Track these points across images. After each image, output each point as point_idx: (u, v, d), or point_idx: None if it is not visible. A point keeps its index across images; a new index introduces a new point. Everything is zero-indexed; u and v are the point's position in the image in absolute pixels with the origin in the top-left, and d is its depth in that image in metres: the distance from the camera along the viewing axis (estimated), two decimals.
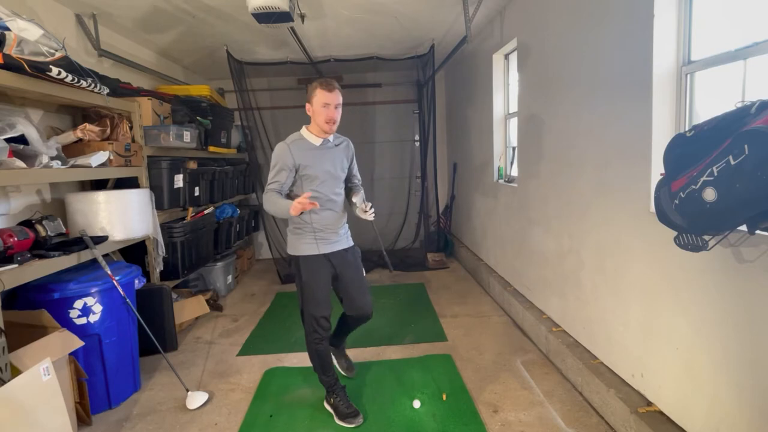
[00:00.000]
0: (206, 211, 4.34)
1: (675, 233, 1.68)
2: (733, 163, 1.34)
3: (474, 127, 5.06)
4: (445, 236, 6.13)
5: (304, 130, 2.37)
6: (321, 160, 2.32)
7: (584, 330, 2.74)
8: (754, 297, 1.58)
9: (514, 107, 4.06)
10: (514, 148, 4.10)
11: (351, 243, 2.51)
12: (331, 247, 2.38)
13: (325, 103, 2.23)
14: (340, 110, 2.29)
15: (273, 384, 2.86)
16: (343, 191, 2.46)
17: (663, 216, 1.67)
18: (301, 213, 2.21)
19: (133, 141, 3.36)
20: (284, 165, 2.27)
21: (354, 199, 2.50)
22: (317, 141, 2.33)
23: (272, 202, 2.25)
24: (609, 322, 2.47)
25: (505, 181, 4.27)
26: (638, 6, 2.09)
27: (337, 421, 2.42)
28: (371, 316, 2.56)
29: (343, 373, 2.84)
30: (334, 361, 2.80)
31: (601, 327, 2.55)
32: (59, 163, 2.63)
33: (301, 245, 2.36)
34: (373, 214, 2.38)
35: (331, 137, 2.37)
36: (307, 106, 2.31)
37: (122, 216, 2.93)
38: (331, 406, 2.49)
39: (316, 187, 2.31)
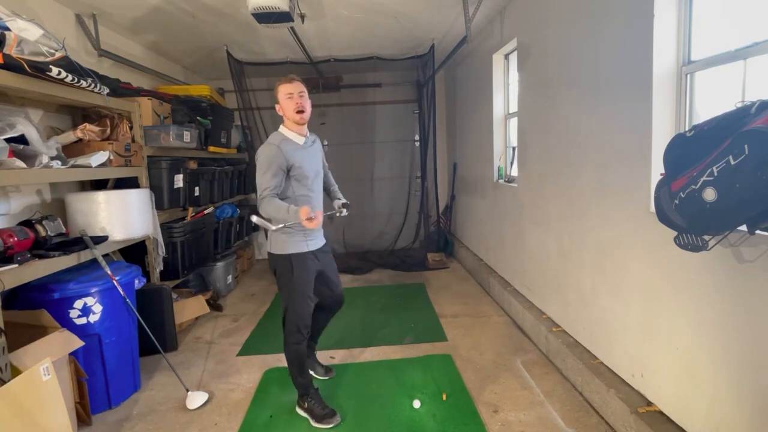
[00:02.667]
0: (206, 211, 4.34)
1: (675, 233, 1.68)
2: (733, 163, 1.34)
3: (474, 127, 5.06)
4: (445, 236, 6.13)
5: (284, 130, 2.37)
6: (309, 160, 2.38)
7: (584, 330, 2.74)
8: (754, 297, 1.58)
9: (514, 107, 4.06)
10: (514, 148, 4.10)
11: (325, 240, 2.60)
12: (316, 243, 2.45)
13: (288, 93, 2.29)
14: (306, 99, 2.33)
15: (273, 384, 2.86)
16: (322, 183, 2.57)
17: (663, 216, 1.67)
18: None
19: (133, 141, 3.36)
20: (279, 167, 2.25)
21: (334, 201, 2.70)
22: (300, 140, 2.37)
23: (277, 208, 2.20)
24: (609, 322, 2.47)
25: (505, 181, 4.27)
26: (638, 6, 2.10)
27: (314, 424, 2.39)
28: (344, 302, 2.72)
29: (324, 378, 2.85)
30: (312, 371, 2.80)
31: (601, 327, 2.55)
32: (59, 163, 2.63)
33: (291, 243, 2.35)
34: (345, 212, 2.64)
35: (308, 134, 2.43)
36: (277, 106, 2.36)
37: (122, 216, 2.93)
38: (306, 410, 2.46)
39: (309, 185, 2.38)
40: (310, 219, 2.12)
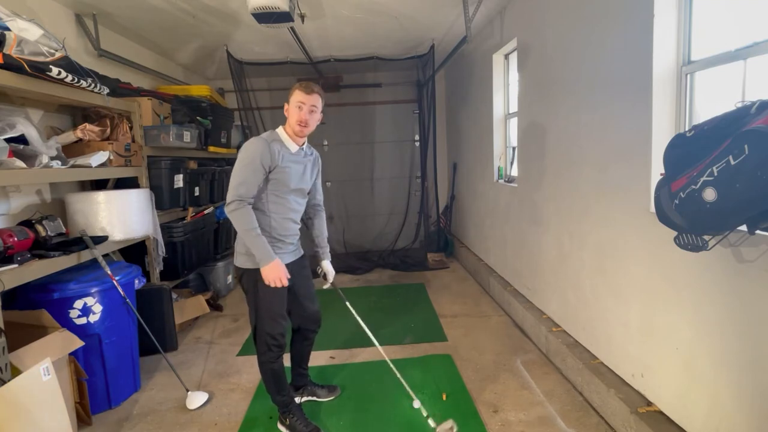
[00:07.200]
0: (206, 211, 4.34)
1: (675, 233, 1.68)
2: (733, 163, 1.34)
3: (474, 127, 5.06)
4: (445, 236, 6.13)
5: (281, 132, 2.20)
6: (295, 170, 2.18)
7: (584, 330, 2.74)
8: (754, 297, 1.58)
9: (514, 107, 4.06)
10: (514, 148, 4.10)
11: (302, 252, 2.41)
12: (287, 258, 2.25)
13: (299, 103, 2.12)
14: (315, 115, 2.17)
15: None
16: (305, 203, 2.37)
17: (663, 216, 1.67)
18: (262, 222, 2.14)
19: (133, 141, 3.36)
20: (261, 163, 2.05)
21: (322, 263, 2.49)
22: (294, 148, 2.19)
23: (250, 231, 2.03)
24: (609, 322, 2.47)
25: (505, 181, 4.27)
26: (638, 6, 2.10)
27: None
28: (320, 324, 2.53)
29: (330, 398, 2.64)
30: (315, 397, 2.64)
31: (601, 327, 2.55)
32: (59, 163, 2.63)
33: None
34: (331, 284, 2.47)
35: (305, 147, 2.27)
36: (285, 105, 2.20)
37: (122, 216, 2.93)
38: (288, 427, 2.30)
39: (283, 195, 2.17)
40: (274, 278, 2.05)
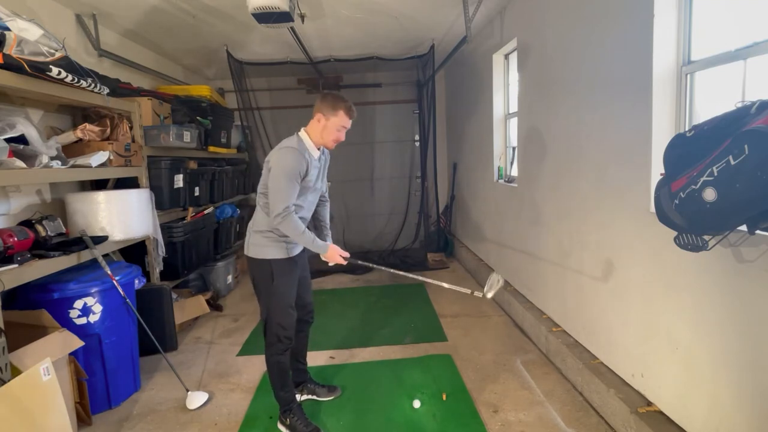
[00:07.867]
0: (206, 211, 4.34)
1: (675, 233, 1.68)
2: (733, 163, 1.34)
3: (474, 127, 5.06)
4: (445, 236, 6.13)
5: (306, 139, 2.23)
6: (314, 174, 2.26)
7: (584, 330, 2.74)
8: (754, 297, 1.58)
9: (514, 107, 4.06)
10: (514, 148, 4.10)
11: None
12: (296, 249, 2.32)
13: (342, 127, 2.23)
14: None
15: None
16: (317, 201, 2.44)
17: (663, 216, 1.67)
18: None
19: (133, 141, 3.36)
20: (300, 175, 2.13)
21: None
22: (316, 154, 2.26)
23: (301, 233, 2.13)
24: (609, 322, 2.47)
25: (505, 181, 4.27)
26: (638, 6, 2.10)
27: None
28: (314, 315, 2.62)
29: (329, 398, 2.65)
30: (315, 396, 2.64)
31: (601, 327, 2.55)
32: (59, 163, 2.63)
33: (272, 248, 2.23)
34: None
35: (320, 147, 2.32)
36: (320, 115, 2.20)
37: (122, 216, 2.93)
38: (288, 427, 2.31)
39: (305, 196, 2.25)
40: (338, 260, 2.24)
